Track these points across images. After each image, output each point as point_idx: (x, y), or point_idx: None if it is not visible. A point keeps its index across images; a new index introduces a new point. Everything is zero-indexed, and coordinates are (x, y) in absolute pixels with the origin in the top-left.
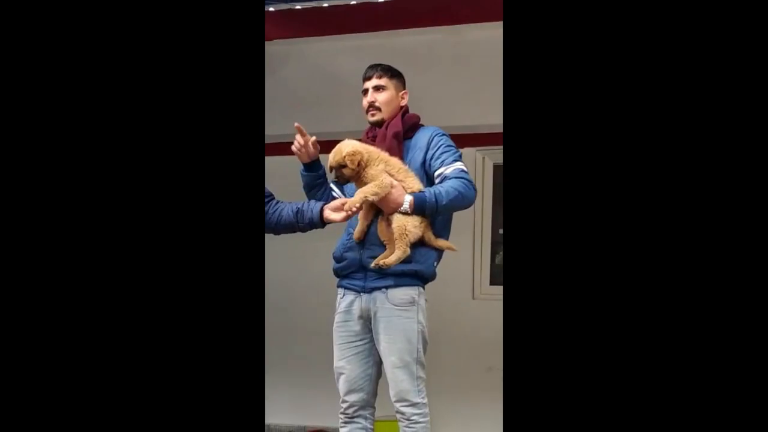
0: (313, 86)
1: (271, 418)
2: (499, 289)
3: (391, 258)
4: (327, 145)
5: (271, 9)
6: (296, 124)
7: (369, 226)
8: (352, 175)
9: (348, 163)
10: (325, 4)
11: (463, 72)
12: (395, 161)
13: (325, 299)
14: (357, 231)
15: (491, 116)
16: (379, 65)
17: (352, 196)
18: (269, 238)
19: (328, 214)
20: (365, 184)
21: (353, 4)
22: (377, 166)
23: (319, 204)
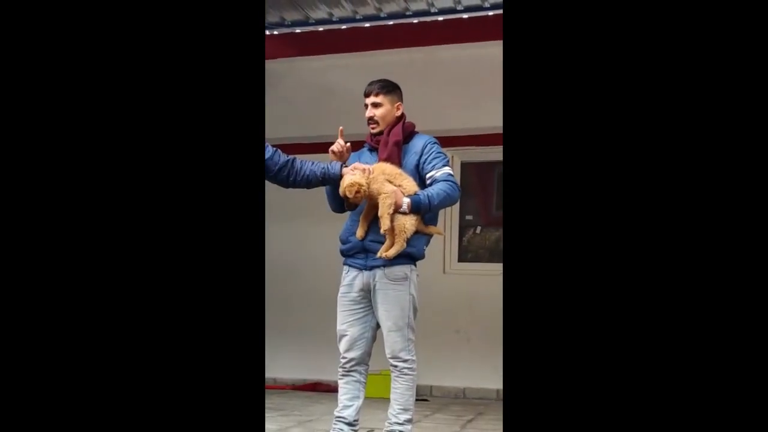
0: (310, 97)
1: (278, 373)
2: (465, 265)
3: (392, 251)
4: (321, 147)
5: (275, 33)
6: (340, 128)
7: (369, 225)
8: (358, 200)
9: (350, 195)
10: (320, 29)
11: (434, 84)
12: (391, 168)
13: (325, 275)
14: (359, 232)
15: (459, 121)
16: (377, 83)
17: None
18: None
19: (345, 171)
20: (374, 197)
21: (343, 29)
22: (378, 179)
23: (338, 164)
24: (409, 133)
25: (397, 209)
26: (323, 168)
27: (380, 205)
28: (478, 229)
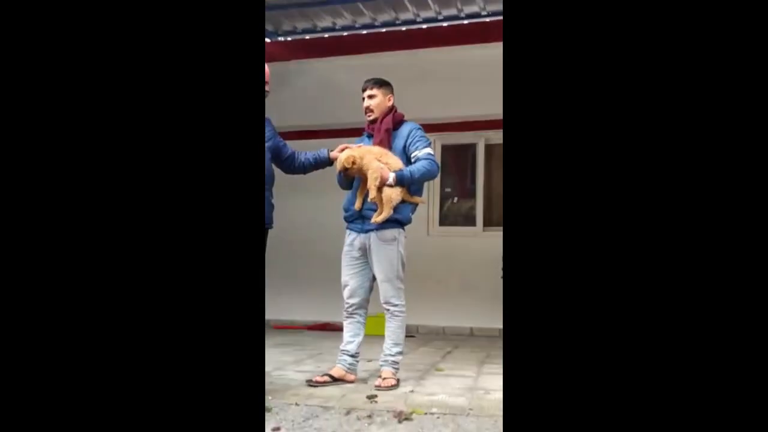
0: (317, 92)
1: (295, 315)
2: (444, 229)
3: (380, 217)
4: (329, 133)
5: (289, 39)
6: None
7: (365, 197)
8: (355, 171)
9: (348, 165)
10: (326, 35)
11: (420, 81)
12: (378, 149)
13: (331, 237)
14: (357, 203)
15: (441, 111)
16: (372, 79)
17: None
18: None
19: (334, 154)
20: (365, 173)
21: (345, 35)
22: (367, 158)
23: (325, 150)
24: (399, 121)
25: (384, 182)
26: (314, 155)
27: (368, 179)
28: (455, 199)
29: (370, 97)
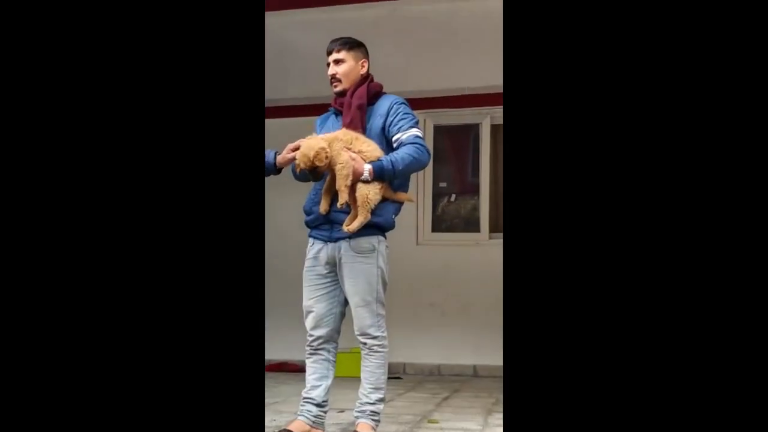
0: (267, 57)
1: None
2: (439, 235)
3: (354, 224)
4: (279, 111)
5: None
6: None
7: (332, 199)
8: (325, 168)
9: (318, 162)
10: None
11: (403, 43)
12: (347, 134)
13: (289, 247)
14: (323, 205)
15: (431, 82)
16: (339, 39)
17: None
18: None
19: (283, 159)
20: (333, 167)
21: None
22: (336, 146)
23: (272, 153)
24: (375, 94)
25: (357, 177)
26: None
27: (336, 177)
28: (453, 197)
29: (337, 62)
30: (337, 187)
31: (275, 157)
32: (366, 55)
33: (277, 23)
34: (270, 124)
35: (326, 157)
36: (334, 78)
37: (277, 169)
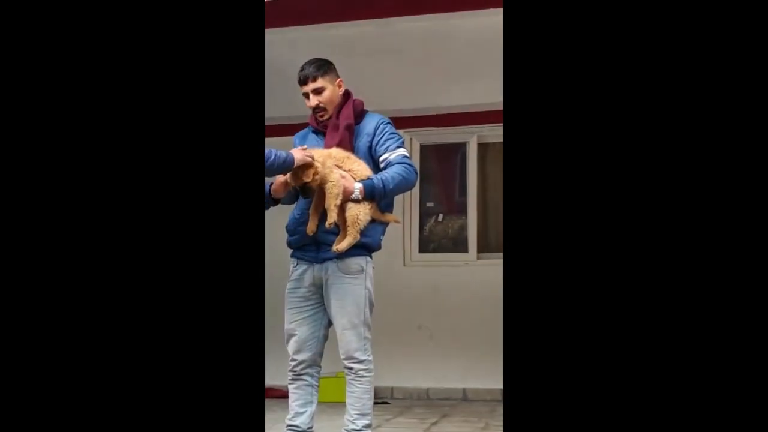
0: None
1: None
2: (427, 256)
3: (343, 244)
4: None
5: None
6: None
7: (320, 219)
8: (316, 185)
9: (309, 179)
10: None
11: (388, 60)
12: (338, 152)
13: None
14: (310, 226)
15: (418, 100)
16: (309, 65)
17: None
18: None
19: (275, 187)
20: (324, 186)
21: None
22: (329, 164)
23: (267, 185)
24: (360, 112)
25: (347, 196)
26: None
27: (327, 195)
28: (440, 216)
29: (317, 91)
30: (326, 206)
31: (270, 189)
32: (337, 73)
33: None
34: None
35: (316, 174)
36: (318, 109)
37: (273, 200)
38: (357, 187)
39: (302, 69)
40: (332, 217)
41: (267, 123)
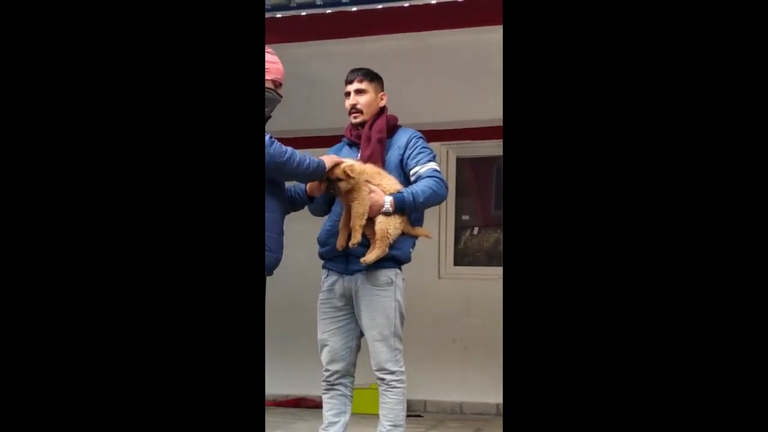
0: (289, 88)
1: None
2: (462, 269)
3: (371, 256)
4: (302, 142)
5: None
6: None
7: (349, 235)
8: (347, 188)
9: (343, 176)
10: (303, 13)
11: (425, 74)
12: (371, 169)
13: (306, 279)
14: (340, 241)
15: (454, 114)
16: (360, 70)
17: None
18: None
19: (310, 187)
20: (352, 199)
21: (328, 13)
22: (363, 178)
23: (301, 186)
24: (392, 127)
25: (378, 210)
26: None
27: (352, 215)
28: (476, 230)
29: (359, 92)
30: (351, 225)
31: (306, 187)
32: (383, 88)
33: (299, 54)
34: None
35: (348, 176)
36: (354, 109)
37: (309, 198)
38: (387, 200)
39: (352, 71)
40: (356, 237)
41: (301, 135)
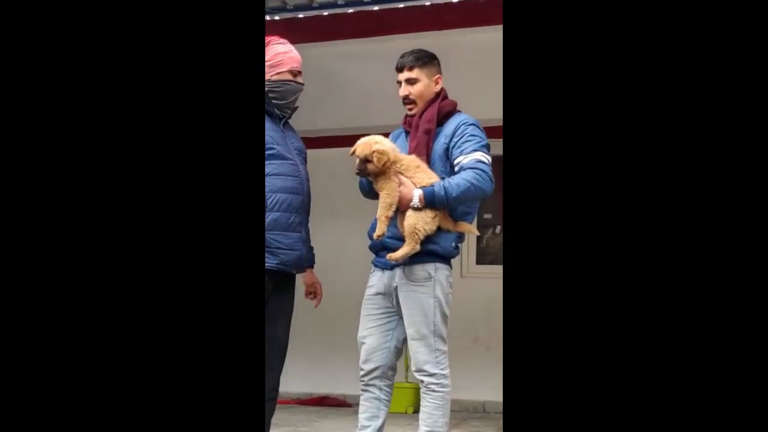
0: (311, 87)
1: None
2: (484, 268)
3: (398, 253)
4: (325, 141)
5: (276, 18)
6: None
7: (388, 225)
8: (374, 171)
9: (375, 159)
10: (325, 13)
11: (449, 72)
12: (409, 160)
13: (337, 274)
14: (378, 230)
15: (478, 111)
16: (411, 54)
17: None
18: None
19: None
20: (381, 186)
21: (350, 13)
22: (390, 172)
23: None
24: (446, 114)
25: (406, 203)
26: None
27: (379, 202)
28: (498, 228)
29: (410, 81)
30: (377, 216)
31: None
32: (439, 70)
33: (326, 53)
34: (319, 153)
35: (381, 163)
36: (407, 100)
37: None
38: (417, 194)
39: (402, 56)
40: (380, 228)
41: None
